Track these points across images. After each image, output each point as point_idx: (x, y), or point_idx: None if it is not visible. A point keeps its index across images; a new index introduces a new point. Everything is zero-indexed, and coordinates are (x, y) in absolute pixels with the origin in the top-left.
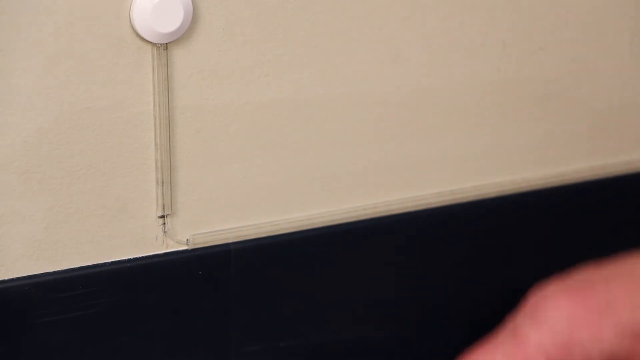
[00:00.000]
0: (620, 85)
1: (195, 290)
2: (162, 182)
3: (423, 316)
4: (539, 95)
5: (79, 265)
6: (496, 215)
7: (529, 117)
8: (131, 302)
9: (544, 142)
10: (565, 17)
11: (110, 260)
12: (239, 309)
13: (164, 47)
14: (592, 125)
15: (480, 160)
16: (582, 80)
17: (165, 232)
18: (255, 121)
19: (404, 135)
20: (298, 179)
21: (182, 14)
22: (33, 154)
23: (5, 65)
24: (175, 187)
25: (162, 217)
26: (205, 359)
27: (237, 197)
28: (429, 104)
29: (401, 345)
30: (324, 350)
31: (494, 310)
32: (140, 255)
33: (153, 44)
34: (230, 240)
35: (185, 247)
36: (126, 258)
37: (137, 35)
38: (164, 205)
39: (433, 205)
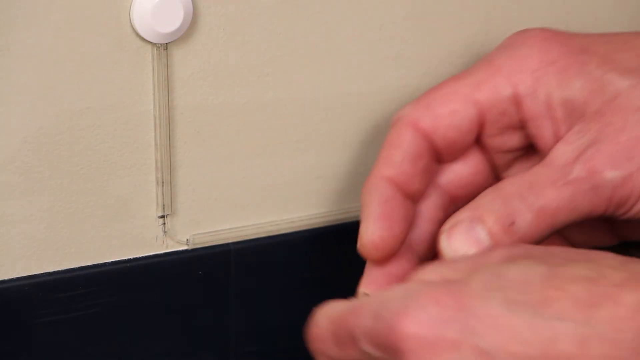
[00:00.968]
0: None
1: (195, 290)
2: (162, 182)
3: None
4: None
5: (79, 265)
6: None
7: None
8: (131, 302)
9: None
10: (565, 17)
11: (110, 260)
12: (239, 309)
13: (164, 47)
14: None
15: None
16: None
17: (165, 232)
18: (255, 121)
19: None
20: (298, 179)
21: (182, 14)
22: (33, 154)
23: (5, 65)
24: (175, 187)
25: (162, 217)
26: (205, 359)
27: (237, 197)
28: None
29: None
30: None
31: None
32: (140, 255)
33: (153, 44)
34: (230, 240)
35: (185, 247)
36: (126, 258)
37: (137, 35)
38: (164, 205)
39: None
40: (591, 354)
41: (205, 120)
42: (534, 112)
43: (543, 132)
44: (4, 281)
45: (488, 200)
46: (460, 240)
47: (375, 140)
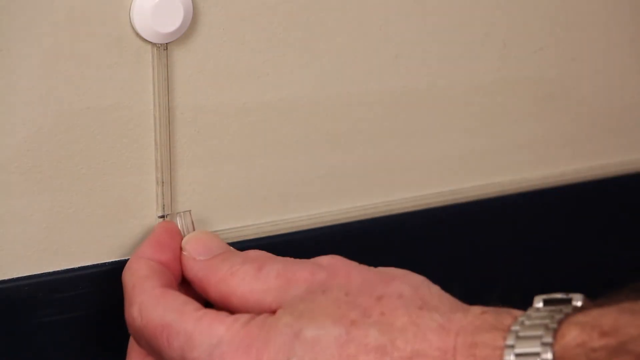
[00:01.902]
0: (620, 85)
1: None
2: (162, 182)
3: None
4: (539, 95)
5: (79, 265)
6: (496, 215)
7: (529, 117)
8: None
9: (544, 142)
10: (565, 17)
11: (110, 260)
12: None
13: (164, 47)
14: (592, 125)
15: (480, 160)
16: (582, 80)
17: None
18: (255, 121)
19: (404, 135)
20: (298, 179)
21: (182, 14)
22: (33, 154)
23: (5, 65)
24: (175, 187)
25: (162, 217)
26: None
27: (237, 197)
28: (429, 104)
29: None
30: None
31: None
32: None
33: (153, 44)
34: (230, 240)
35: None
36: (126, 258)
37: (137, 35)
38: (164, 205)
39: (433, 205)
40: None
41: (205, 120)
42: None
43: None
44: (4, 281)
45: None
46: None
47: (376, 140)
